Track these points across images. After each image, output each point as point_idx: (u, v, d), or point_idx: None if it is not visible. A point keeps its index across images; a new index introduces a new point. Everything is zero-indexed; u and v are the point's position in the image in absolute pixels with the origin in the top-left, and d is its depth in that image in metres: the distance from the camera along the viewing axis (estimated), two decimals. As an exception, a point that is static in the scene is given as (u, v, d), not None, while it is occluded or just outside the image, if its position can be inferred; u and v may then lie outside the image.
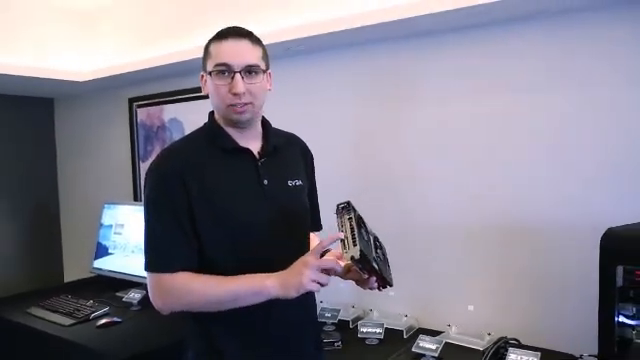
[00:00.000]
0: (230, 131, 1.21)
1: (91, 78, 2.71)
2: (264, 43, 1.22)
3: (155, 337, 1.92)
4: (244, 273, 1.11)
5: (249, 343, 1.19)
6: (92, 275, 2.77)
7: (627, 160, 1.59)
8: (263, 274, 1.09)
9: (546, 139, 1.72)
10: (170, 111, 2.76)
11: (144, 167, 2.92)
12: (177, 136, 2.72)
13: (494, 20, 1.76)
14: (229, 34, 1.16)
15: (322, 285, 1.06)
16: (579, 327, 1.63)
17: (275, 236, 1.18)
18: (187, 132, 2.55)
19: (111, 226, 2.59)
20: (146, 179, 1.19)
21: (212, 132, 1.22)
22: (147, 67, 2.51)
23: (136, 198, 2.96)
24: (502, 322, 1.79)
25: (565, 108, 1.68)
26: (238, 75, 1.13)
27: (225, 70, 1.13)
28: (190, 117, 2.64)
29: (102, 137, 3.20)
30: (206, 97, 1.22)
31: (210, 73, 1.16)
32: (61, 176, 3.52)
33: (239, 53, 1.14)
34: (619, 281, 1.36)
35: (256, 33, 1.21)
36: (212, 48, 1.16)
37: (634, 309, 1.37)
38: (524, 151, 1.77)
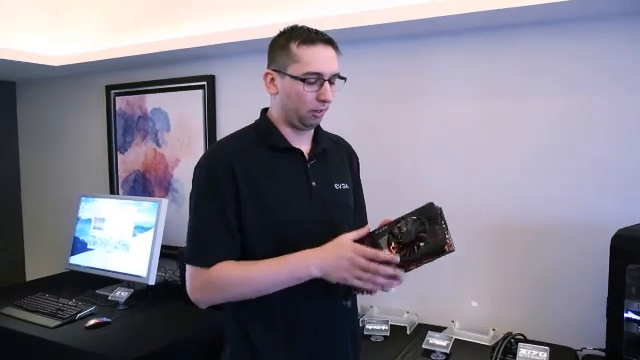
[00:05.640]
0: (285, 131, 1.21)
1: (67, 63, 2.54)
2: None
3: (152, 337, 1.84)
4: None
5: (286, 343, 1.17)
6: (61, 272, 2.62)
7: (626, 163, 1.68)
8: (304, 259, 1.10)
9: (551, 139, 1.78)
10: (153, 101, 2.63)
11: (122, 159, 2.77)
12: (161, 127, 2.60)
13: (502, 24, 1.81)
14: (317, 39, 1.13)
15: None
16: (581, 322, 1.72)
17: (318, 237, 1.16)
18: (173, 123, 2.55)
19: (90, 220, 2.45)
20: (195, 173, 1.17)
21: (265, 130, 1.21)
22: (130, 55, 2.38)
23: (112, 191, 2.81)
24: (504, 317, 1.85)
25: (568, 110, 1.75)
26: (328, 83, 1.14)
27: (316, 78, 1.12)
28: (176, 108, 2.51)
29: (74, 125, 3.00)
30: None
31: (295, 77, 1.12)
32: (24, 166, 3.28)
33: (330, 62, 1.14)
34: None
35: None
36: (299, 52, 1.12)
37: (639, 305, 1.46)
38: (529, 151, 1.82)
